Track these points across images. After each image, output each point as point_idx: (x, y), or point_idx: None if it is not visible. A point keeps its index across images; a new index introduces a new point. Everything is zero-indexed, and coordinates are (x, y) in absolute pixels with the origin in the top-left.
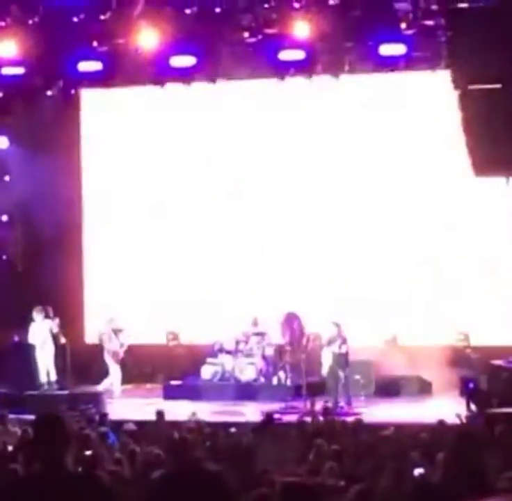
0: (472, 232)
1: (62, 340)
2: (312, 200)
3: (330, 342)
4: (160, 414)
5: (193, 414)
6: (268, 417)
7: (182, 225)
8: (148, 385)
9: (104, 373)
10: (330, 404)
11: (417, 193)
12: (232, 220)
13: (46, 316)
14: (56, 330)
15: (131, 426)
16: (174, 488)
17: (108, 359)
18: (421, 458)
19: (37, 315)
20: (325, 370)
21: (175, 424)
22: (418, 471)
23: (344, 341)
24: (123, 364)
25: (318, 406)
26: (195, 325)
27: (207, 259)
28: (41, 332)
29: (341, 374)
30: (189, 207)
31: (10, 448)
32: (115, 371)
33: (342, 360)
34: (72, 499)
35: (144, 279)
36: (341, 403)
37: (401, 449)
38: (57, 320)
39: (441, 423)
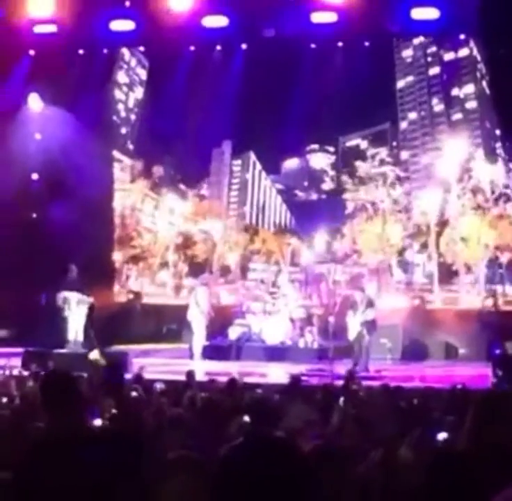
0: None
1: (90, 300)
2: None
3: (356, 307)
4: (190, 375)
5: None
6: (296, 379)
7: None
8: (175, 345)
9: (135, 331)
10: (356, 368)
11: None
12: None
13: (82, 276)
14: (85, 290)
15: (161, 386)
16: (252, 456)
17: (195, 317)
18: (446, 423)
19: (75, 273)
20: (351, 334)
21: (201, 384)
22: (442, 436)
23: (372, 306)
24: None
25: (343, 369)
26: None
27: None
28: (75, 291)
29: (367, 338)
30: None
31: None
32: (198, 331)
33: (370, 326)
34: (90, 454)
35: None
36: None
37: (426, 414)
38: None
39: (466, 388)
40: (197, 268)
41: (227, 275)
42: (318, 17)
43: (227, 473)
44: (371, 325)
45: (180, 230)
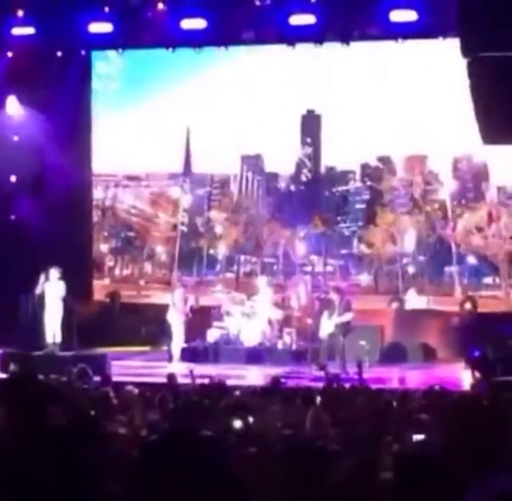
0: None
1: (69, 301)
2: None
3: (333, 309)
4: (171, 377)
5: (191, 371)
6: (275, 381)
7: None
8: (154, 347)
9: (114, 333)
10: (336, 370)
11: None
12: None
13: (60, 278)
14: (64, 291)
15: (133, 390)
16: (168, 451)
17: (174, 319)
18: (423, 425)
19: (54, 275)
20: (322, 333)
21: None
22: (417, 438)
23: (348, 308)
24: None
25: (320, 371)
26: None
27: None
28: (53, 292)
29: (341, 339)
30: None
31: None
32: (178, 334)
33: (345, 328)
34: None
35: None
36: (336, 370)
37: (404, 415)
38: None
39: (443, 390)
40: (189, 261)
41: (225, 268)
42: (297, 20)
43: (145, 464)
44: (346, 328)
45: (179, 221)
